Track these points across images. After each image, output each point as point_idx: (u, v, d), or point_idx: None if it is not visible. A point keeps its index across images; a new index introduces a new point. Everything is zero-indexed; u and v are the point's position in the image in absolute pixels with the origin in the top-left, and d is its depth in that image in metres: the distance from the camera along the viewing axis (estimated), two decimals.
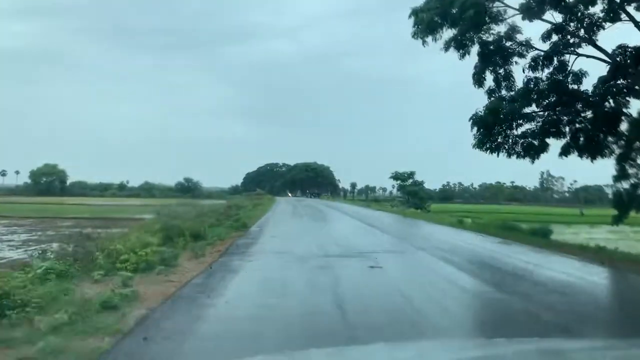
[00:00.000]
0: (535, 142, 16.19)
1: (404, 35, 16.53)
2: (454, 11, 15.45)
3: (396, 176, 49.61)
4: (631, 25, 14.30)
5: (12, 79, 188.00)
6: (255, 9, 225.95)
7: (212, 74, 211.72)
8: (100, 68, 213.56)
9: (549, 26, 15.70)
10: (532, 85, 16.28)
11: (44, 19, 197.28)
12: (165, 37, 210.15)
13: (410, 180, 48.88)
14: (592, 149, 15.75)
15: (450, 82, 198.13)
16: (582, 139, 15.95)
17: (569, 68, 16.03)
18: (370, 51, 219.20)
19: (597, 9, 15.19)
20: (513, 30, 16.17)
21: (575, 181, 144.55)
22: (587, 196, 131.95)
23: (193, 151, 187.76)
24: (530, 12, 15.20)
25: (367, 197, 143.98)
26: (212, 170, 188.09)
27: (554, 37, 15.83)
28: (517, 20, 15.98)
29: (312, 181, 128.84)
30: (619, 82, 15.43)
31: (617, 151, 15.57)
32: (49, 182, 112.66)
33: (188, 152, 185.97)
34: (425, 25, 15.84)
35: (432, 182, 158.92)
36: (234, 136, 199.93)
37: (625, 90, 15.33)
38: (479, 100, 16.64)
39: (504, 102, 16.45)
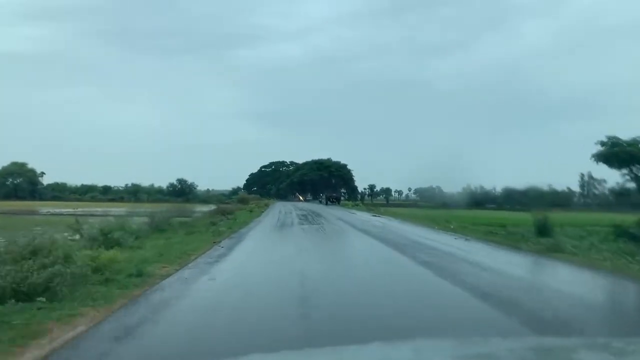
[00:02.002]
0: None
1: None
2: None
3: (616, 153, 21.45)
4: None
5: (17, 81, 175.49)
6: (264, 12, 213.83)
7: (219, 77, 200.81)
8: (105, 70, 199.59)
9: None
10: None
11: (50, 22, 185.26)
12: (172, 39, 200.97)
13: None
14: None
15: (460, 85, 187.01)
16: None
17: None
18: (380, 54, 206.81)
19: None
20: None
21: (617, 183, 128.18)
22: (633, 200, 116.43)
23: (199, 154, 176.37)
24: None
25: (387, 201, 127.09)
26: (218, 173, 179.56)
27: None
28: None
29: (326, 182, 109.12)
30: None
31: None
32: (15, 183, 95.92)
33: (193, 155, 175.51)
34: None
35: (451, 185, 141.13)
36: (241, 138, 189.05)
37: None
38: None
39: None
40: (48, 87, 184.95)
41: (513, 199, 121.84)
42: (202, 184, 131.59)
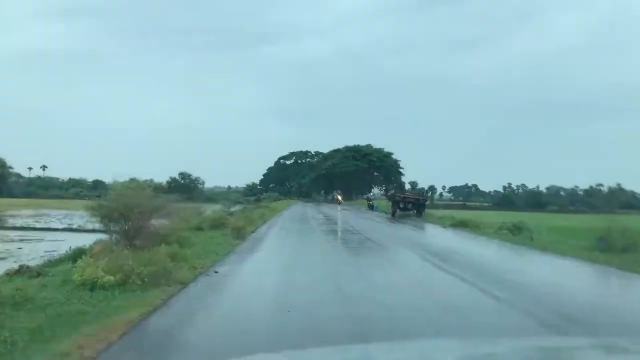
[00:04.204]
0: None
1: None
2: None
3: None
4: None
5: (47, 79, 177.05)
6: (289, 10, 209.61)
7: (246, 74, 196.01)
8: (133, 68, 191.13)
9: None
10: None
11: (75, 20, 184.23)
12: (200, 37, 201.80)
13: None
14: None
15: (489, 81, 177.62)
16: None
17: None
18: (409, 49, 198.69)
19: None
20: None
21: None
22: None
23: (219, 150, 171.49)
24: None
25: (432, 202, 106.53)
26: (239, 170, 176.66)
27: None
28: None
29: (364, 175, 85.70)
30: None
31: None
32: None
33: (213, 152, 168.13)
34: None
35: (487, 184, 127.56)
36: (264, 134, 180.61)
37: None
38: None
39: None
40: (62, 83, 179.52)
41: (571, 200, 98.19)
42: (223, 181, 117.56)
